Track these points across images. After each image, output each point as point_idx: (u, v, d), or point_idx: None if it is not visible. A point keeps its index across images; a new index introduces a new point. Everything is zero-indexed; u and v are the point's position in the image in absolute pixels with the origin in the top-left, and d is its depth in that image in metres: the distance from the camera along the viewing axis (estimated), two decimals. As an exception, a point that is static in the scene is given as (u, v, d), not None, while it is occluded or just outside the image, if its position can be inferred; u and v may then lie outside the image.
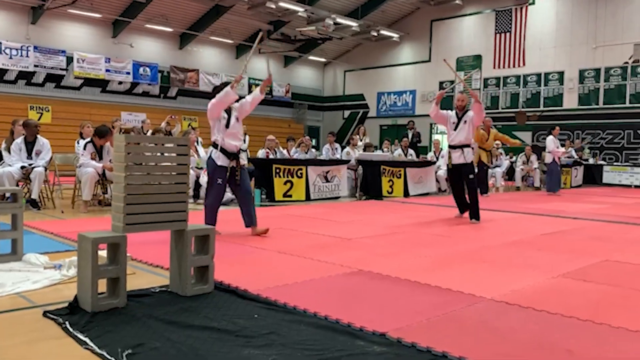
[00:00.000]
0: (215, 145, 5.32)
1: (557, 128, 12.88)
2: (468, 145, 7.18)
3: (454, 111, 7.27)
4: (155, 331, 2.54)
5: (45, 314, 2.75)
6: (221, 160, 5.27)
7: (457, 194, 7.39)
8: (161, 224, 3.10)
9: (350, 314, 2.86)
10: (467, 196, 7.23)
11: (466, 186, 7.23)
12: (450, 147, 7.25)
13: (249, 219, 5.46)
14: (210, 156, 5.35)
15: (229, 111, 5.38)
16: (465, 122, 7.14)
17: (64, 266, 3.60)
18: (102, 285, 2.89)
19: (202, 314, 2.81)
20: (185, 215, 3.18)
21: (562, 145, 16.14)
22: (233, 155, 5.33)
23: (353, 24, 20.54)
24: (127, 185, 2.94)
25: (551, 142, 12.50)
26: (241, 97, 5.47)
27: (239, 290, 3.23)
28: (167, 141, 3.34)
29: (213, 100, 5.19)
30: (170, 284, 3.27)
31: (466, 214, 7.23)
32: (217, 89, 5.28)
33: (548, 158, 12.68)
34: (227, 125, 5.32)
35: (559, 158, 12.81)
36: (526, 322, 2.83)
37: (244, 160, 5.62)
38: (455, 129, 7.17)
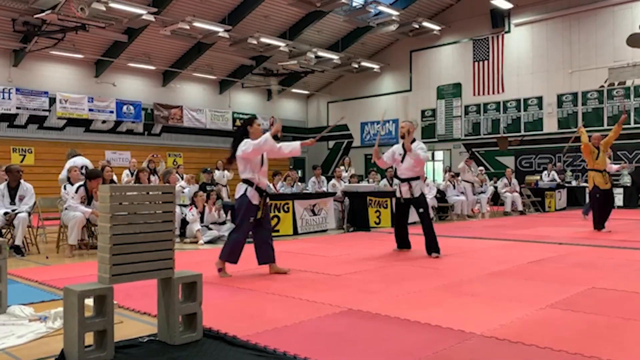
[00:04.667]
0: (250, 184, 5.39)
1: None
2: (417, 178, 6.78)
3: (400, 144, 6.84)
4: (144, 385, 2.51)
5: (31, 371, 2.71)
6: (256, 199, 5.37)
7: (401, 229, 7.10)
8: (148, 272, 3.09)
9: (341, 358, 2.84)
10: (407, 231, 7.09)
11: (420, 221, 6.80)
12: (401, 179, 6.83)
13: (269, 256, 5.46)
14: (245, 194, 5.38)
15: None
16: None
17: (50, 318, 3.55)
18: (89, 337, 2.85)
19: (191, 364, 2.79)
20: (171, 262, 3.17)
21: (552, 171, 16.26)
22: (265, 193, 5.49)
23: (334, 56, 20.88)
24: (113, 236, 2.94)
25: None
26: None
27: (228, 336, 3.21)
28: (151, 189, 3.34)
29: (254, 146, 5.23)
30: (158, 333, 3.23)
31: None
32: (242, 127, 5.45)
33: None
34: (262, 164, 5.49)
35: None
36: (516, 357, 2.84)
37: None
38: (402, 161, 6.80)
